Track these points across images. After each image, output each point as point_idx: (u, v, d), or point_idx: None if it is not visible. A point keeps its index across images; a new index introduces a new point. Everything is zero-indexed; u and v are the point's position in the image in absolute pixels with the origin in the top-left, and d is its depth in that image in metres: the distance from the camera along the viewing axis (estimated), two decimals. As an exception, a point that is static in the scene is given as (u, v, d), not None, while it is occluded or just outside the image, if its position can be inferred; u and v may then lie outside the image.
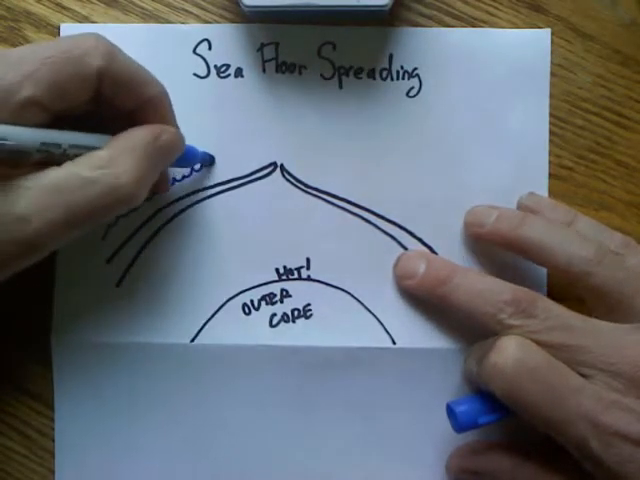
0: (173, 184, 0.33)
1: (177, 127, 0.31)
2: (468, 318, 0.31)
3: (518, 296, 0.30)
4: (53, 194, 0.26)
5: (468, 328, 0.32)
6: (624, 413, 0.27)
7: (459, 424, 0.29)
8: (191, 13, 0.34)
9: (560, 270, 0.30)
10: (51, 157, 0.26)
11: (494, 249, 0.33)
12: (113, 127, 0.28)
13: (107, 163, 0.26)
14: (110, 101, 0.28)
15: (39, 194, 0.25)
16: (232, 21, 0.34)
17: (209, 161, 0.33)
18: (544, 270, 0.33)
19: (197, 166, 0.33)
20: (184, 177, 0.33)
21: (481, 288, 0.30)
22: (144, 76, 0.29)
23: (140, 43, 0.34)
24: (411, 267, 0.32)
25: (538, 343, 0.28)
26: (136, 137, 0.28)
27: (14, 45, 0.34)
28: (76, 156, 0.27)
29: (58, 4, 0.34)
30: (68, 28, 0.34)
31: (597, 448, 0.27)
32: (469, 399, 0.30)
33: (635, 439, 0.27)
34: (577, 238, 0.30)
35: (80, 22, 0.34)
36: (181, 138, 0.30)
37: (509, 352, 0.28)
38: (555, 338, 0.28)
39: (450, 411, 0.30)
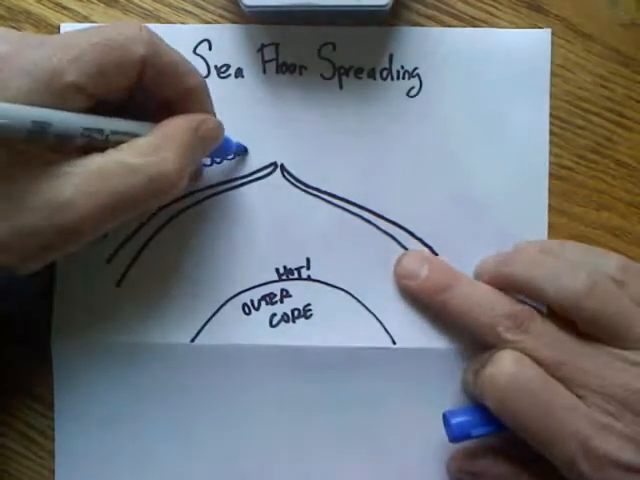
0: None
1: (215, 116, 0.31)
2: (466, 327, 0.31)
3: (516, 310, 0.30)
4: (98, 180, 0.25)
5: (468, 328, 0.32)
6: (615, 438, 0.27)
7: (453, 435, 0.30)
8: (191, 13, 0.34)
9: (551, 304, 0.30)
10: (93, 143, 0.26)
11: (494, 251, 0.33)
12: (150, 116, 0.28)
13: (151, 151, 0.26)
14: (150, 90, 0.28)
15: (84, 180, 0.25)
16: (232, 21, 0.34)
17: (243, 151, 0.33)
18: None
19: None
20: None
21: (480, 298, 0.30)
22: (185, 66, 0.28)
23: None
24: (413, 268, 0.32)
25: (533, 359, 0.28)
26: (178, 125, 0.28)
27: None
28: (117, 143, 0.27)
29: (58, 4, 0.34)
30: (68, 28, 0.34)
31: (587, 470, 0.27)
32: (465, 410, 0.31)
33: (625, 464, 0.27)
34: (566, 269, 0.29)
35: (80, 22, 0.34)
36: (221, 128, 0.30)
37: (504, 366, 0.28)
38: (551, 356, 0.28)
39: (445, 420, 0.30)
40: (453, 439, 0.30)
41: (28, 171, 0.25)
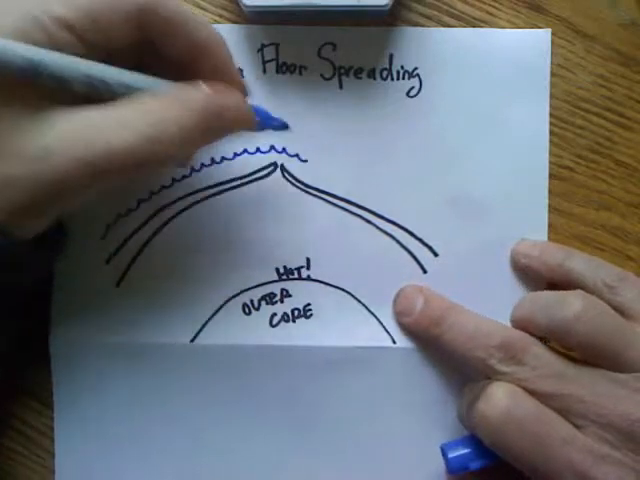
0: (172, 184, 0.33)
1: (239, 77, 0.28)
2: (462, 362, 0.30)
3: (508, 341, 0.29)
4: (86, 131, 0.24)
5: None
6: (615, 467, 0.26)
7: (450, 468, 0.30)
8: (191, 13, 0.34)
9: (548, 335, 0.29)
10: (97, 93, 0.24)
11: (494, 251, 0.33)
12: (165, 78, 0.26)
13: (154, 111, 0.24)
14: (159, 45, 0.26)
15: (68, 128, 0.24)
16: (232, 21, 0.34)
17: (280, 127, 0.31)
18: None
19: (197, 165, 0.33)
20: (184, 177, 0.33)
21: (472, 331, 0.30)
22: (191, 18, 0.26)
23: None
24: (409, 304, 0.32)
25: (528, 391, 0.28)
26: (197, 98, 0.25)
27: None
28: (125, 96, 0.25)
29: (58, 4, 0.34)
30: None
31: None
32: (463, 441, 0.31)
33: None
34: (559, 298, 0.29)
35: (80, 22, 0.34)
36: (252, 116, 0.28)
37: (497, 401, 0.28)
38: (546, 387, 0.28)
39: (443, 454, 0.31)
40: (451, 472, 0.30)
41: (12, 116, 0.24)
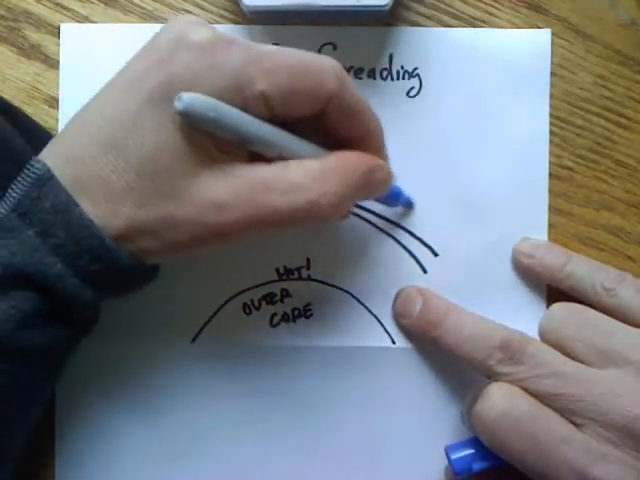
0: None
1: (387, 156, 0.30)
2: (461, 361, 0.31)
3: (507, 342, 0.29)
4: (257, 190, 0.26)
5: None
6: (615, 466, 0.27)
7: (454, 470, 0.30)
8: (191, 13, 0.34)
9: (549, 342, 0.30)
10: (263, 152, 0.26)
11: (494, 251, 0.33)
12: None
13: (317, 176, 0.26)
14: (330, 125, 0.28)
15: (245, 188, 0.26)
16: (232, 21, 0.34)
17: (409, 205, 0.33)
18: (542, 278, 0.33)
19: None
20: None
21: (470, 332, 0.30)
22: (367, 109, 0.28)
23: (140, 43, 0.33)
24: (408, 306, 0.32)
25: (527, 391, 0.28)
26: (352, 162, 0.27)
27: (14, 45, 0.34)
28: (285, 157, 0.27)
29: (58, 4, 0.34)
30: (68, 28, 0.34)
31: None
32: (466, 443, 0.31)
33: None
34: (562, 317, 0.31)
35: (80, 22, 0.34)
36: (392, 179, 0.30)
37: (493, 402, 0.28)
38: (544, 386, 0.28)
39: (447, 455, 0.31)
40: (455, 473, 0.30)
41: (194, 164, 0.25)
